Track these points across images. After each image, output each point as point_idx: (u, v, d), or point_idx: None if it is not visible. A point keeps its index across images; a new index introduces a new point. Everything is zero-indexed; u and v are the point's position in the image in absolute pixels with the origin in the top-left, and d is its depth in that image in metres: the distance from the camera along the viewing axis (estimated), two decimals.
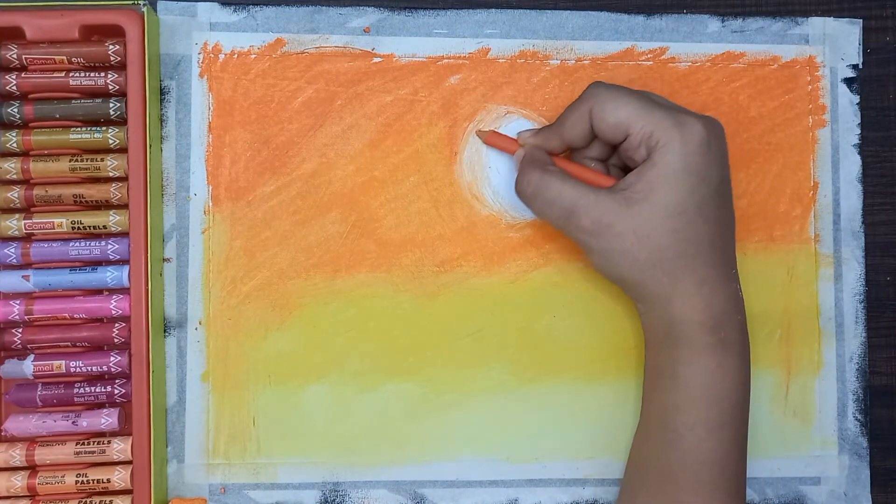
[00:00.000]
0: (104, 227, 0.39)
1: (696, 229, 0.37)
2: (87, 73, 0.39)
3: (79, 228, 0.39)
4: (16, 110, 0.39)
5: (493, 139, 0.41)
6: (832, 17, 0.43)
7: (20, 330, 0.39)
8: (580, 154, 0.40)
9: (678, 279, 0.37)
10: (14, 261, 0.39)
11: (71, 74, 0.39)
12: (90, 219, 0.39)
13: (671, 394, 0.37)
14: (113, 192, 0.39)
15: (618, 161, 0.40)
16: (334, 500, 0.41)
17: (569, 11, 0.42)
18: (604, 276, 0.39)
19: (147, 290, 0.39)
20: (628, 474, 0.40)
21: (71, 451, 0.39)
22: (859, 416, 0.43)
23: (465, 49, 0.42)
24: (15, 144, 0.39)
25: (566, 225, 0.38)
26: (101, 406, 0.40)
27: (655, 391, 0.38)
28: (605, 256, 0.38)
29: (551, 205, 0.38)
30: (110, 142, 0.39)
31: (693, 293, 0.37)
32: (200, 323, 0.41)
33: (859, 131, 0.43)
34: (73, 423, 0.39)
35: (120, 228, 0.39)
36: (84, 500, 0.39)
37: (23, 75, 0.39)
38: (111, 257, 0.39)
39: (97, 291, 0.40)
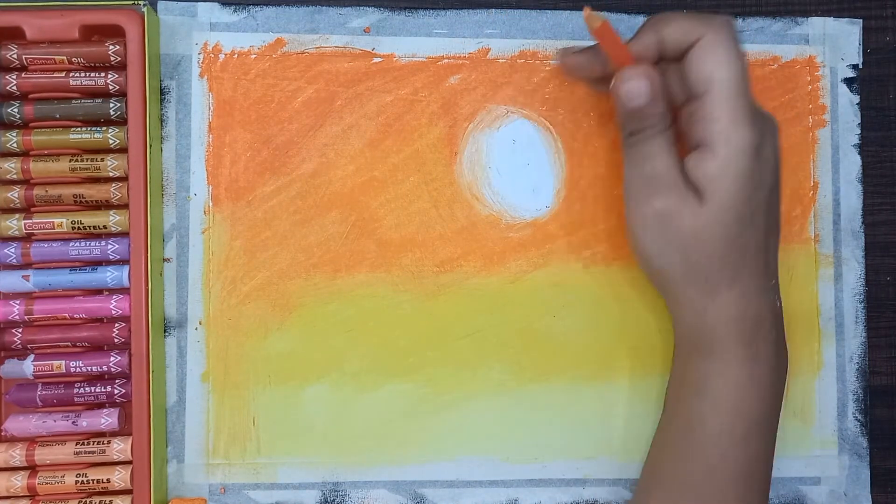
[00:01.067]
0: (104, 227, 0.39)
1: (747, 237, 0.35)
2: (87, 73, 0.39)
3: (79, 228, 0.39)
4: (16, 110, 0.39)
5: (604, 36, 0.36)
6: (832, 17, 0.43)
7: (20, 330, 0.39)
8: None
9: (719, 287, 0.35)
10: (14, 261, 0.39)
11: (71, 74, 0.39)
12: (90, 219, 0.39)
13: (698, 403, 0.36)
14: (113, 192, 0.39)
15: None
16: (334, 500, 0.41)
17: (569, 11, 0.42)
18: (643, 268, 0.38)
19: (147, 290, 0.39)
20: (645, 479, 0.39)
21: (71, 451, 0.39)
22: (859, 416, 0.43)
23: (465, 49, 0.42)
24: (15, 144, 0.39)
25: (639, 190, 0.36)
26: (101, 406, 0.40)
27: (681, 400, 0.37)
28: (659, 247, 0.36)
29: (642, 162, 0.36)
30: (110, 142, 0.39)
31: (730, 303, 0.35)
32: (200, 323, 0.41)
33: (859, 131, 0.43)
34: (73, 423, 0.39)
35: (120, 228, 0.39)
36: (84, 500, 0.39)
37: (23, 75, 0.39)
38: (111, 257, 0.39)
39: (97, 291, 0.40)
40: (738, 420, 0.36)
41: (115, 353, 0.39)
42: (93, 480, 0.38)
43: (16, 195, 0.39)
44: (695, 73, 0.35)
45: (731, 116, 0.34)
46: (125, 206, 0.40)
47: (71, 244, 0.39)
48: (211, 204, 0.41)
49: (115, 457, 0.39)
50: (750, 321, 0.36)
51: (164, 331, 0.41)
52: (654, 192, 0.35)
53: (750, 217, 0.35)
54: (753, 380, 0.36)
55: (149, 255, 0.39)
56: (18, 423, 0.39)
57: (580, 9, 0.42)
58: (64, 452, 0.39)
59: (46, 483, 0.38)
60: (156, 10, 0.41)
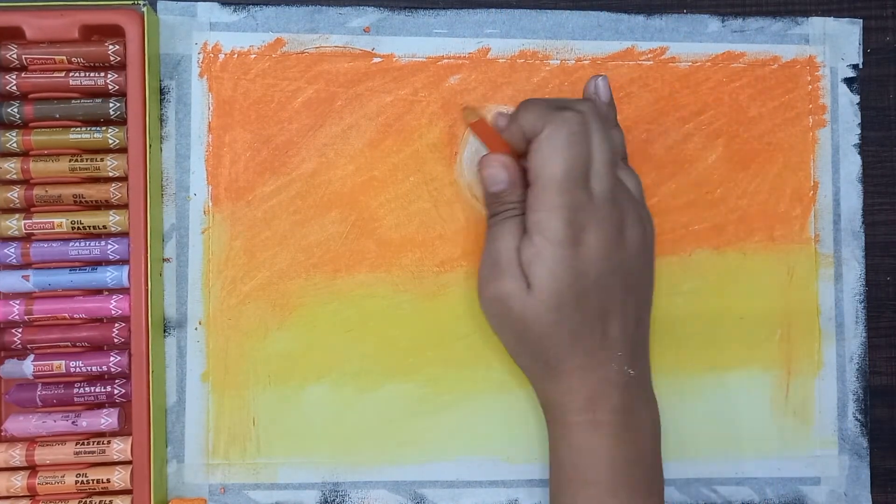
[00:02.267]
0: (104, 227, 0.39)
1: (575, 321, 0.36)
2: (87, 73, 0.39)
3: (79, 228, 0.39)
4: (16, 110, 0.39)
5: (479, 129, 0.40)
6: (832, 17, 0.43)
7: (20, 330, 0.39)
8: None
9: (555, 366, 0.37)
10: (14, 261, 0.39)
11: (71, 74, 0.39)
12: (90, 219, 0.39)
13: (554, 468, 0.38)
14: (113, 192, 0.39)
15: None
16: (334, 500, 0.41)
17: (569, 11, 0.42)
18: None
19: (147, 290, 0.39)
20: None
21: (71, 451, 0.39)
22: (859, 416, 0.43)
23: (465, 49, 0.42)
24: (15, 144, 0.39)
25: (486, 272, 0.38)
26: (101, 406, 0.40)
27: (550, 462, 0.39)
28: (499, 327, 0.38)
29: (493, 242, 0.38)
30: (110, 142, 0.39)
31: (566, 379, 0.37)
32: (200, 323, 0.41)
33: (859, 131, 0.43)
34: (73, 423, 0.39)
35: (120, 228, 0.39)
36: (84, 500, 0.39)
37: (23, 75, 0.39)
38: (111, 257, 0.39)
39: (97, 291, 0.40)
40: (582, 485, 0.37)
41: (115, 353, 0.39)
42: (93, 480, 0.38)
43: (16, 195, 0.39)
44: (530, 164, 0.37)
45: (547, 208, 0.36)
46: (125, 206, 0.40)
47: (71, 244, 0.39)
48: (211, 204, 0.41)
49: (115, 457, 0.39)
50: (585, 394, 0.37)
51: (164, 331, 0.41)
52: (496, 275, 0.37)
53: (575, 302, 0.36)
54: (590, 447, 0.36)
55: (149, 255, 0.39)
56: (18, 423, 0.39)
57: (580, 9, 0.43)
58: (64, 452, 0.39)
59: (46, 483, 0.38)
60: (155, 10, 0.41)
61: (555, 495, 0.38)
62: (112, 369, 0.39)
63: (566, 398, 0.37)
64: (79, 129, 0.39)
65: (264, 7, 0.42)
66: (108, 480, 0.39)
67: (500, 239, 0.37)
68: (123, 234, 0.40)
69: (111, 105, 0.39)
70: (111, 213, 0.39)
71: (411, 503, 0.41)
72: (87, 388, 0.39)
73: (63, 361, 0.39)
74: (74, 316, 0.39)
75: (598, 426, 0.36)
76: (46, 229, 0.39)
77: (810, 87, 0.43)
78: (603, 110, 0.38)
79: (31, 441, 0.39)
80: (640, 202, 0.38)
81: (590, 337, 0.37)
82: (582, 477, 0.36)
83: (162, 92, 0.41)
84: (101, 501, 0.39)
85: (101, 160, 0.39)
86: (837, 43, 0.43)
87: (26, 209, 0.40)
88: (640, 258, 0.38)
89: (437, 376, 0.41)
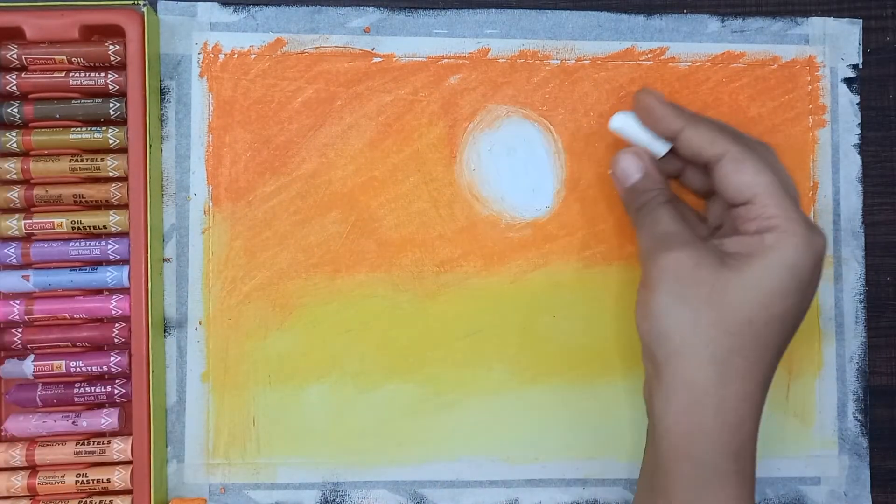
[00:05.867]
0: (104, 227, 0.39)
1: (770, 332, 0.33)
2: (87, 73, 0.39)
3: (79, 228, 0.39)
4: (16, 110, 0.39)
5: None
6: (832, 17, 0.43)
7: (20, 330, 0.39)
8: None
9: (725, 369, 0.33)
10: (14, 261, 0.39)
11: (71, 74, 0.39)
12: (90, 219, 0.39)
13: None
14: (113, 192, 0.39)
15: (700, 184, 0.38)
16: (334, 500, 0.41)
17: (569, 11, 0.42)
18: (639, 329, 0.35)
19: (147, 290, 0.39)
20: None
21: (71, 451, 0.39)
22: (859, 416, 0.43)
23: (465, 49, 0.42)
24: (15, 144, 0.39)
25: (653, 248, 0.34)
26: (101, 406, 0.40)
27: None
28: (671, 300, 0.33)
29: (652, 227, 0.35)
30: (110, 142, 0.39)
31: (726, 397, 0.33)
32: (200, 323, 0.41)
33: (859, 131, 0.43)
34: (73, 423, 0.39)
35: (120, 228, 0.39)
36: (84, 500, 0.39)
37: (23, 75, 0.39)
38: (111, 257, 0.39)
39: (97, 291, 0.40)
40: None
41: (115, 353, 0.39)
42: (93, 480, 0.38)
43: (16, 195, 0.39)
44: (733, 183, 0.34)
45: (785, 219, 0.33)
46: (125, 206, 0.40)
47: (71, 244, 0.39)
48: (211, 204, 0.41)
49: (115, 457, 0.39)
50: (736, 435, 0.33)
51: (164, 331, 0.41)
52: (670, 245, 0.34)
53: (780, 315, 0.33)
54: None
55: (149, 255, 0.39)
56: (18, 423, 0.39)
57: (580, 9, 0.43)
58: (64, 452, 0.39)
59: (46, 483, 0.38)
60: (156, 10, 0.41)
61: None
62: (112, 369, 0.39)
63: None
64: (79, 129, 0.39)
65: (264, 7, 0.42)
66: (109, 480, 0.39)
67: (662, 221, 0.35)
68: (123, 234, 0.40)
69: (111, 105, 0.39)
70: (111, 213, 0.39)
71: (411, 503, 0.41)
72: (87, 388, 0.39)
73: (63, 361, 0.39)
74: (74, 316, 0.39)
75: (743, 481, 0.33)
76: (46, 229, 0.39)
77: (810, 87, 0.43)
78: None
79: (31, 441, 0.39)
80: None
81: (763, 364, 0.33)
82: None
83: (162, 92, 0.41)
84: (101, 501, 0.39)
85: (102, 160, 0.39)
86: (837, 43, 0.43)
87: (26, 209, 0.40)
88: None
89: (437, 376, 0.42)
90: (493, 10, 0.42)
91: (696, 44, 0.43)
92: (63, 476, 0.38)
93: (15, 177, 0.39)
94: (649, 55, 0.43)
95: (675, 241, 0.34)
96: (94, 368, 0.39)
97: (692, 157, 0.36)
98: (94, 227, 0.39)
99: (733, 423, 0.33)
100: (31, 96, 0.39)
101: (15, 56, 0.39)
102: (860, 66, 0.43)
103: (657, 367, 0.34)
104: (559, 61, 0.42)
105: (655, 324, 0.34)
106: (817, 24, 0.43)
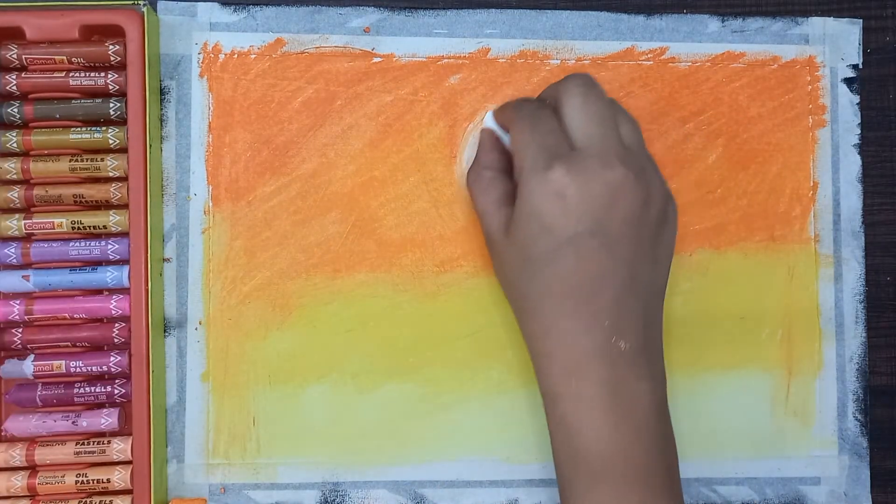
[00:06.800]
0: (104, 227, 0.39)
1: (546, 275, 0.35)
2: (87, 73, 0.39)
3: (79, 228, 0.39)
4: (16, 110, 0.39)
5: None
6: (832, 17, 0.43)
7: (20, 330, 0.39)
8: None
9: (528, 317, 0.37)
10: (14, 261, 0.39)
11: (71, 74, 0.39)
12: (90, 219, 0.39)
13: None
14: (113, 192, 0.39)
15: None
16: (334, 500, 0.41)
17: (569, 11, 0.42)
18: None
19: (147, 290, 0.39)
20: None
21: (71, 451, 0.39)
22: (859, 416, 0.43)
23: (465, 49, 0.42)
24: (15, 144, 0.39)
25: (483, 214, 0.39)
26: (101, 406, 0.40)
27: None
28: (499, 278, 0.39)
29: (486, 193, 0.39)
30: (110, 142, 0.39)
31: (536, 336, 0.36)
32: (200, 323, 0.41)
33: (859, 131, 0.43)
34: (73, 423, 0.39)
35: (120, 228, 0.39)
36: (84, 500, 0.39)
37: (23, 75, 0.39)
38: (111, 257, 0.39)
39: (97, 291, 0.40)
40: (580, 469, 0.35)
41: (115, 353, 0.39)
42: (93, 480, 0.38)
43: (16, 195, 0.39)
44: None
45: (525, 163, 0.36)
46: (125, 206, 0.40)
47: (71, 244, 0.39)
48: (211, 204, 0.41)
49: (115, 457, 0.39)
50: (560, 362, 0.35)
51: (164, 331, 0.41)
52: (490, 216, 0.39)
53: (546, 257, 0.35)
54: (577, 419, 0.35)
55: (149, 255, 0.39)
56: (18, 423, 0.39)
57: (580, 9, 0.42)
58: (64, 452, 0.39)
59: (46, 483, 0.38)
60: (156, 10, 0.41)
61: (558, 477, 0.36)
62: (112, 369, 0.39)
63: (540, 361, 0.36)
64: (79, 129, 0.39)
65: (264, 7, 0.42)
66: (109, 480, 0.39)
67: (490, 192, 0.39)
68: (123, 234, 0.40)
69: (111, 105, 0.39)
70: (111, 213, 0.39)
71: (411, 503, 0.41)
72: (87, 388, 0.39)
73: (63, 361, 0.39)
74: (74, 316, 0.39)
75: (580, 398, 0.34)
76: (46, 229, 0.39)
77: (810, 87, 0.43)
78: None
79: (32, 441, 0.39)
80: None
81: (563, 300, 0.35)
82: (578, 452, 0.35)
83: (162, 92, 0.41)
84: (101, 501, 0.39)
85: (102, 160, 0.39)
86: (837, 43, 0.43)
87: (26, 209, 0.40)
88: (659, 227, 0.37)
89: (437, 376, 0.42)
90: (493, 10, 0.42)
91: (696, 44, 0.43)
92: (63, 476, 0.38)
93: (15, 177, 0.39)
94: (649, 55, 0.43)
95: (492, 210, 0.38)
96: (94, 368, 0.39)
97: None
98: (94, 227, 0.39)
99: (550, 353, 0.36)
100: (31, 96, 0.39)
101: (15, 56, 0.39)
102: (860, 66, 0.43)
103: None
104: (559, 61, 0.42)
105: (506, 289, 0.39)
106: (817, 24, 0.43)
